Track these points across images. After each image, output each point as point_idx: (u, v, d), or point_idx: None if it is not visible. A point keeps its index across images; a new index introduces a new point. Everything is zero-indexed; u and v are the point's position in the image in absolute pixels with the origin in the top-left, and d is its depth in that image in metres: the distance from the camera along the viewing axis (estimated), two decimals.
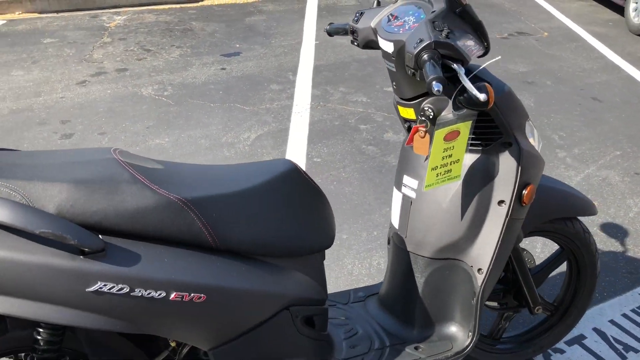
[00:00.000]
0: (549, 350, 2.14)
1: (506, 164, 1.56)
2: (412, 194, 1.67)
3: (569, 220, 1.86)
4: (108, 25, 6.03)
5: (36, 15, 6.37)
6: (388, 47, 1.51)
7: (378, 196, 3.08)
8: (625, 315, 2.32)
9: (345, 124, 3.93)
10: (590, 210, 1.86)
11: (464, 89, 1.42)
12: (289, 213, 1.40)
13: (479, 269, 1.62)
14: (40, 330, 1.24)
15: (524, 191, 1.58)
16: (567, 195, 1.82)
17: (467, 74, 1.46)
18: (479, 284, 1.62)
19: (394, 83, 1.60)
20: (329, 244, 1.52)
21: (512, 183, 1.56)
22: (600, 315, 2.32)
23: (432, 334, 1.72)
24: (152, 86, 4.46)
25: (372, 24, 1.62)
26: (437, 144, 1.46)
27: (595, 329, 2.25)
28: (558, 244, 1.95)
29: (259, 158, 3.45)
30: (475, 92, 1.34)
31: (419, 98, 1.55)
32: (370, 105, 4.23)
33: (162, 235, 1.22)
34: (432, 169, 1.49)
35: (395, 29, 1.51)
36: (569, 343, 2.18)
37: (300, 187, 1.44)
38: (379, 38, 1.56)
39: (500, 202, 1.58)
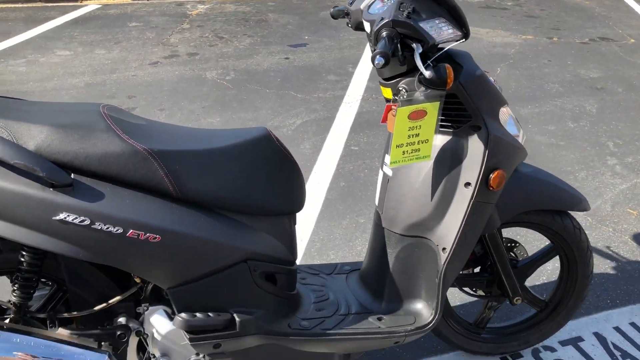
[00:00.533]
0: (540, 347, 2.11)
1: (474, 147, 1.59)
2: (389, 172, 1.74)
3: (557, 214, 1.84)
4: (190, 13, 6.40)
5: (129, 1, 6.87)
6: (367, 27, 1.59)
7: None
8: (633, 324, 2.24)
9: None
10: (580, 205, 1.83)
11: (427, 68, 1.47)
12: (254, 174, 1.52)
13: (444, 248, 1.65)
14: (24, 253, 1.43)
15: (491, 175, 1.59)
16: (555, 188, 1.80)
17: (426, 55, 1.48)
18: (442, 263, 1.65)
19: None
20: (295, 209, 1.62)
21: (478, 166, 1.59)
22: (605, 321, 2.25)
23: (399, 308, 1.77)
24: (217, 70, 4.72)
25: (362, 6, 1.69)
26: (400, 122, 1.52)
27: (595, 333, 2.19)
28: (548, 239, 1.93)
29: (299, 142, 3.58)
30: (422, 69, 1.39)
31: (396, 78, 1.61)
32: None
33: (126, 180, 1.37)
34: (397, 146, 1.55)
35: (377, 10, 1.57)
36: (564, 343, 2.14)
37: (269, 153, 1.55)
38: (362, 19, 1.63)
39: (467, 184, 1.61)
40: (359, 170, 3.28)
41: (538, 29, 6.24)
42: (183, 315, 1.48)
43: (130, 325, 1.53)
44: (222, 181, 1.47)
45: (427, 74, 1.39)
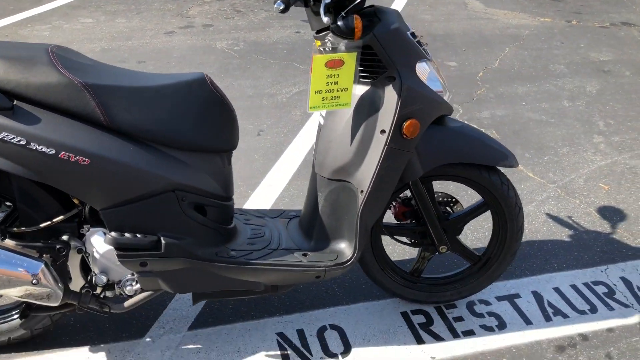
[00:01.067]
0: (475, 300, 2.22)
1: (389, 96, 1.71)
2: (322, 121, 1.87)
3: (485, 169, 1.93)
4: None
5: None
6: None
7: None
8: (574, 286, 2.31)
9: None
10: (505, 161, 1.91)
11: (339, 19, 1.59)
12: (183, 112, 1.67)
13: (362, 191, 1.78)
14: None
15: (404, 123, 1.71)
16: (480, 143, 1.89)
17: (343, 6, 1.60)
18: (360, 205, 1.78)
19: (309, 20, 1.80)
20: (226, 148, 1.78)
21: (392, 114, 1.71)
22: (547, 282, 2.33)
23: (325, 247, 1.90)
24: (227, 41, 4.90)
25: None
26: (316, 69, 1.65)
27: (534, 292, 2.27)
28: (479, 194, 2.02)
29: (291, 109, 3.72)
30: (322, 16, 1.51)
31: (324, 32, 1.73)
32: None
33: (62, 108, 1.55)
34: (316, 92, 1.68)
35: None
36: (500, 298, 2.24)
37: (202, 94, 1.70)
38: None
39: (382, 132, 1.73)
40: None
41: (559, 12, 6.18)
42: (113, 233, 1.66)
43: (72, 243, 1.72)
44: (151, 116, 1.63)
45: (325, 20, 1.52)
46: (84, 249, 1.73)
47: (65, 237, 1.72)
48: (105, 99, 1.58)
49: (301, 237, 1.95)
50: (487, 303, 2.21)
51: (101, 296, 1.78)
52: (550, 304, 2.21)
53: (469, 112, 3.81)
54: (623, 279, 2.36)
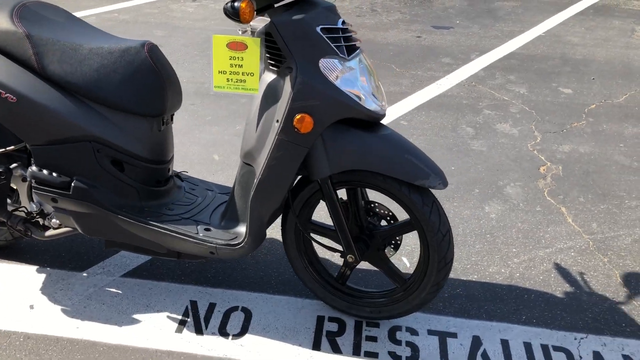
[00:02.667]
0: (403, 326, 2.05)
1: (286, 87, 1.68)
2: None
3: (405, 184, 1.79)
4: None
5: None
6: None
7: None
8: (527, 344, 2.01)
9: (472, 104, 3.84)
10: (424, 180, 1.72)
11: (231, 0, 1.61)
12: (111, 73, 1.83)
13: (257, 177, 1.78)
14: None
15: (295, 116, 1.67)
16: (398, 155, 1.73)
17: None
18: (251, 191, 1.79)
19: None
20: (153, 114, 1.90)
21: (285, 105, 1.68)
22: (499, 331, 2.06)
23: (231, 228, 1.93)
24: None
25: None
26: (216, 49, 1.69)
27: (475, 337, 2.03)
28: (405, 211, 1.88)
29: None
30: None
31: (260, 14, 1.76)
32: (522, 98, 3.99)
33: (6, 51, 1.82)
34: (219, 72, 1.72)
35: None
36: (432, 332, 2.04)
37: (136, 60, 1.85)
38: None
39: (277, 121, 1.71)
40: None
41: None
42: (33, 167, 1.89)
43: (19, 171, 1.99)
44: (79, 70, 1.82)
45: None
46: (27, 178, 1.99)
47: (13, 165, 2.00)
48: (42, 50, 1.81)
49: (218, 215, 2.00)
50: (414, 332, 2.04)
51: (32, 222, 2.03)
52: (484, 355, 1.97)
53: (546, 142, 3.44)
54: (596, 354, 2.00)
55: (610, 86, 4.32)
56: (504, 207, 2.78)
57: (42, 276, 2.19)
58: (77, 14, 5.21)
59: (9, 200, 2.10)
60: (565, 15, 5.87)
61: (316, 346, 1.96)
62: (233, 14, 1.59)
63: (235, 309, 2.10)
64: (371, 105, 1.74)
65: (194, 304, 2.10)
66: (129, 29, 4.99)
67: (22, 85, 1.81)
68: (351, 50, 1.73)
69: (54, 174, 1.89)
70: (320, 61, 1.65)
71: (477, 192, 2.90)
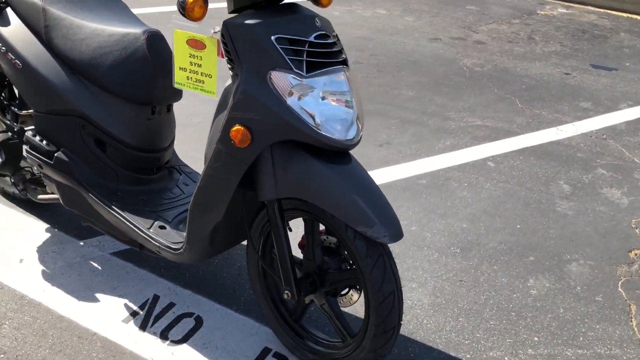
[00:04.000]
0: None
1: (232, 95, 1.54)
2: None
3: (351, 228, 1.55)
4: (539, 12, 6.11)
5: None
6: None
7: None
8: None
9: (588, 159, 3.28)
10: (367, 227, 1.47)
11: None
12: (106, 55, 1.88)
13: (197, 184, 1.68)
14: None
15: (232, 127, 1.53)
16: (346, 194, 1.50)
17: None
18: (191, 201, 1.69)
19: None
20: (141, 101, 1.91)
21: (226, 113, 1.55)
22: None
23: (182, 231, 1.85)
24: (476, 60, 4.62)
25: None
26: (177, 44, 1.62)
27: None
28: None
29: (456, 134, 3.38)
30: None
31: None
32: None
33: (27, 22, 1.95)
34: (180, 68, 1.65)
35: None
36: None
37: (132, 46, 1.87)
38: None
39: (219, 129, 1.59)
40: (454, 181, 2.97)
41: None
42: (29, 132, 2.01)
43: (24, 130, 2.13)
44: (77, 48, 1.89)
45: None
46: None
47: (28, 128, 2.14)
48: (52, 23, 1.91)
49: (184, 216, 1.94)
50: None
51: (32, 183, 2.17)
52: None
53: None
54: None
55: None
56: (554, 286, 2.31)
57: (47, 235, 2.33)
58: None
59: (23, 163, 2.24)
60: None
61: None
62: (180, 8, 1.51)
63: (189, 315, 2.02)
64: (331, 132, 1.53)
65: (156, 298, 2.07)
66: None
67: (30, 54, 1.93)
68: (314, 67, 1.53)
69: (44, 142, 1.98)
70: (270, 73, 1.49)
71: (531, 260, 2.45)
